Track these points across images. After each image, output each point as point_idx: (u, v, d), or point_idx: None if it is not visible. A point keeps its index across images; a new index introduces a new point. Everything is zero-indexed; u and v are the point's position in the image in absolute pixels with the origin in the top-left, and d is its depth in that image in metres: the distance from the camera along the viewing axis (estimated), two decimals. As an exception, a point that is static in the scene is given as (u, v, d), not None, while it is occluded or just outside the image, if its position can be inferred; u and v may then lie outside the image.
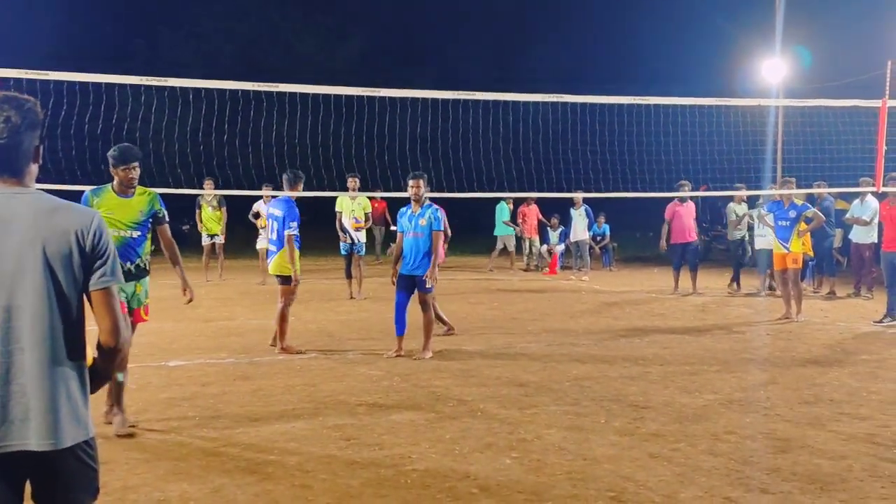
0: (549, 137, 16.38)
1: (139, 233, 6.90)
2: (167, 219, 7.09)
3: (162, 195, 7.26)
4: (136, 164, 6.83)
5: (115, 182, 6.86)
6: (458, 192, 13.97)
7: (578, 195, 18.67)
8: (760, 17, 26.55)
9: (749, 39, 27.65)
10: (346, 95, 11.70)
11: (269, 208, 10.42)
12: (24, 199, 2.94)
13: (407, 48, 40.98)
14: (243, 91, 11.32)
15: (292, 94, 11.89)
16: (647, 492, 5.29)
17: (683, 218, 16.43)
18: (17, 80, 8.51)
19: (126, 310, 6.70)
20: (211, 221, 18.21)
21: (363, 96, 11.64)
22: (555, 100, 12.39)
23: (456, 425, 6.86)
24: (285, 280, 10.09)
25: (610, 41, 36.66)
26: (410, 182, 9.94)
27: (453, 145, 16.17)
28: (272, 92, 11.42)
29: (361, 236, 15.55)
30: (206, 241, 18.41)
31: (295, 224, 10.06)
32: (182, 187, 12.22)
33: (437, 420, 7.04)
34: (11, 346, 2.86)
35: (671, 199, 16.38)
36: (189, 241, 30.79)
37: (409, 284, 9.87)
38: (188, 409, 7.37)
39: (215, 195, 17.61)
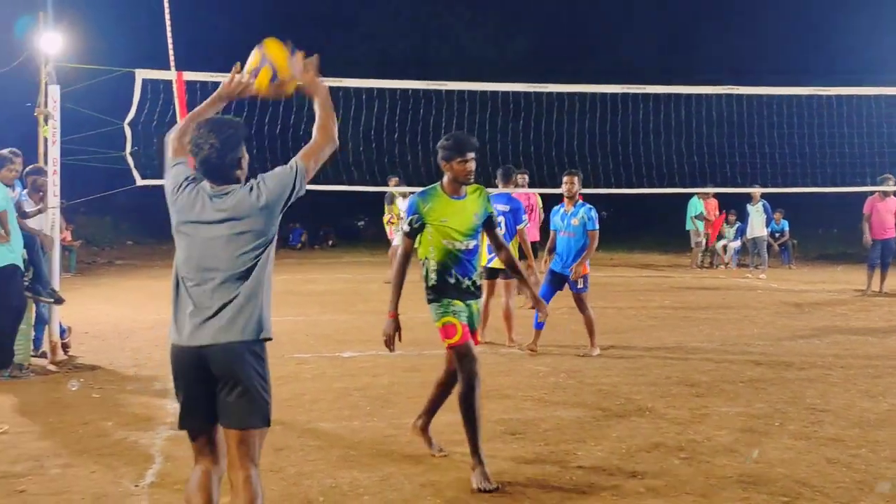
0: (724, 131, 15.86)
1: (475, 241, 5.76)
2: (497, 222, 5.98)
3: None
4: (474, 154, 5.64)
5: (445, 180, 5.70)
6: (628, 187, 13.79)
7: (756, 190, 18.07)
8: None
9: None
10: (513, 92, 11.79)
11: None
12: (233, 194, 3.94)
13: (576, 42, 40.54)
14: (413, 90, 11.59)
15: (461, 92, 12.08)
16: (824, 498, 5.07)
17: (882, 213, 15.49)
18: (203, 83, 8.99)
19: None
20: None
21: (531, 92, 11.68)
22: (729, 92, 12.07)
23: (623, 424, 6.78)
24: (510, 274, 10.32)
25: (789, 29, 35.02)
26: (564, 178, 9.83)
27: (622, 140, 15.95)
28: (441, 90, 11.63)
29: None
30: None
31: (526, 217, 10.43)
32: (355, 184, 12.60)
33: (604, 418, 6.98)
34: (213, 273, 3.86)
35: (860, 193, 15.47)
36: (363, 237, 31.44)
37: (559, 282, 9.84)
38: (360, 399, 7.60)
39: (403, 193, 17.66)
